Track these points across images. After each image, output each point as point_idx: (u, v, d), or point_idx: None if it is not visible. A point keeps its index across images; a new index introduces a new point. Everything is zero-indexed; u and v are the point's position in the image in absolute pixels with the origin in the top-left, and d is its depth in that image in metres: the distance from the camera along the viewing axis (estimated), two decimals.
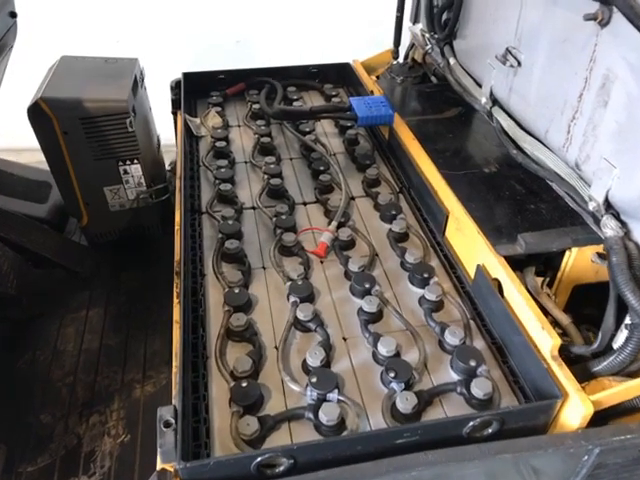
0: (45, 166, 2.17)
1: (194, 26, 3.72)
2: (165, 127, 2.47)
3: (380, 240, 1.51)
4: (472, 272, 1.34)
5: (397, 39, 2.24)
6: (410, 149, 1.69)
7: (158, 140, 2.27)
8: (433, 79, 2.04)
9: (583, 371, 1.07)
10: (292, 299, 1.28)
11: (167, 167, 2.40)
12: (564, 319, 1.19)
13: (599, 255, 1.25)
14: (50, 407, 1.47)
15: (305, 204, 1.67)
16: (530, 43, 1.27)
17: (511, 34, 1.34)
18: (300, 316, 1.23)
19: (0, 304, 1.59)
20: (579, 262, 1.28)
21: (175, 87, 2.21)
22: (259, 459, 0.91)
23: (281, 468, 0.93)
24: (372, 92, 2.07)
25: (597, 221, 1.15)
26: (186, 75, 2.18)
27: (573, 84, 1.13)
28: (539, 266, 1.35)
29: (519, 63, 1.31)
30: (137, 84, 1.94)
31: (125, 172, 1.88)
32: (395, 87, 2.03)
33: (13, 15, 1.55)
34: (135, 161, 1.86)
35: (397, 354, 1.16)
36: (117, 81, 1.84)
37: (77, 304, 1.82)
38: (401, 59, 2.33)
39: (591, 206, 1.12)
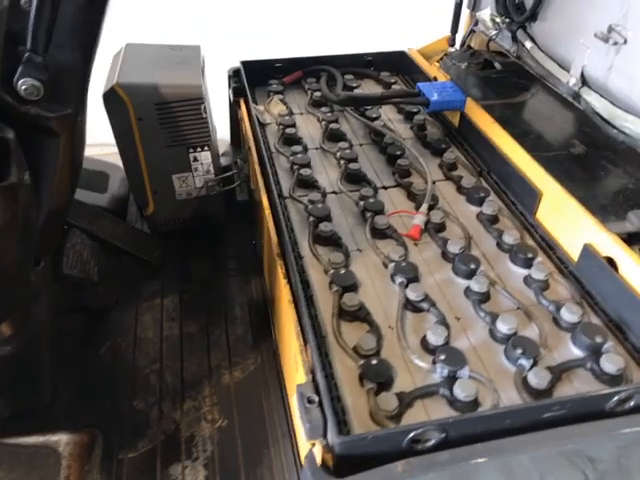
0: (102, 156, 2.16)
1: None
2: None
3: (471, 223, 1.50)
4: (572, 253, 1.33)
5: (455, 26, 2.23)
6: (489, 133, 1.68)
7: (215, 130, 2.25)
8: (497, 65, 2.03)
9: None
10: (399, 280, 1.27)
11: (221, 157, 2.38)
12: None
13: None
14: (142, 393, 1.45)
15: (385, 188, 1.65)
16: None
17: (615, 12, 1.33)
18: (411, 296, 1.22)
19: (84, 291, 1.57)
20: None
21: (233, 75, 2.20)
22: (413, 434, 0.90)
23: (432, 442, 0.92)
24: (435, 78, 2.05)
25: None
26: (245, 63, 2.17)
27: None
28: None
29: (625, 41, 1.31)
30: (203, 71, 1.93)
31: (195, 159, 1.86)
32: (460, 73, 2.02)
33: None
34: (205, 148, 1.84)
35: (516, 332, 1.15)
36: (187, 67, 1.82)
37: (150, 293, 1.79)
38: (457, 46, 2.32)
39: None
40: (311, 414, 0.94)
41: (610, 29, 1.33)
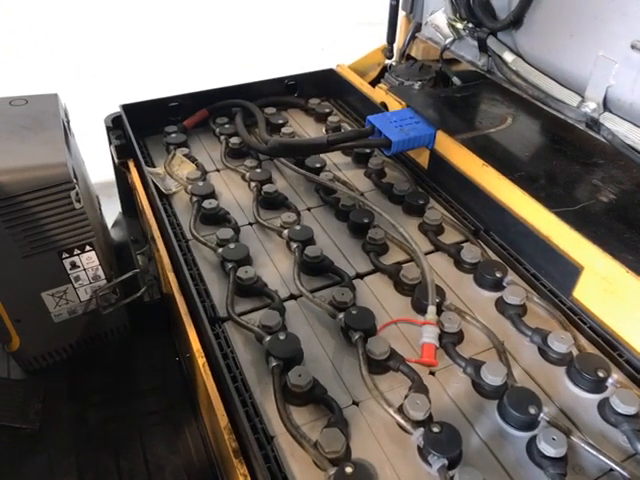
0: None
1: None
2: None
3: (491, 318, 1.07)
4: None
5: (392, 33, 1.80)
6: (479, 179, 1.27)
7: (99, 202, 1.63)
8: (456, 80, 1.62)
9: None
10: (437, 464, 0.80)
11: (111, 230, 1.78)
12: None
13: None
14: None
15: (361, 277, 1.18)
16: None
17: None
18: None
19: None
20: None
21: (114, 127, 1.60)
22: None
23: None
24: (384, 104, 1.61)
25: None
26: (127, 108, 1.59)
27: None
28: None
29: None
30: (67, 132, 1.31)
31: (73, 266, 1.25)
32: (416, 95, 1.59)
33: None
34: (87, 248, 1.24)
35: None
36: (41, 134, 1.19)
37: (34, 478, 1.17)
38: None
39: None
40: None
41: None
